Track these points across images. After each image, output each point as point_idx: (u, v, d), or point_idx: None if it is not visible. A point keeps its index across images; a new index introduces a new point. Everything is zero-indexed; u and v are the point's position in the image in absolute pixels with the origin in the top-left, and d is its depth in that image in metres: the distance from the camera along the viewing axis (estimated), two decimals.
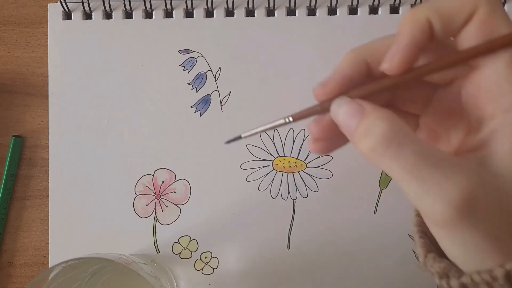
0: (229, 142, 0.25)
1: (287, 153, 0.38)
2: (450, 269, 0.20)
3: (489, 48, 0.19)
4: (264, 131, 0.24)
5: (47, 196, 0.38)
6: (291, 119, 0.23)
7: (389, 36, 0.21)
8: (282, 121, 0.23)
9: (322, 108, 0.22)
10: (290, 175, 0.38)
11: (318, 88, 0.22)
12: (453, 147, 0.22)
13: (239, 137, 0.25)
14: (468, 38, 0.20)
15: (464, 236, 0.19)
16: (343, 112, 0.21)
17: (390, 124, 0.19)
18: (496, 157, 0.19)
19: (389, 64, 0.21)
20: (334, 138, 0.23)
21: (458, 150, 0.22)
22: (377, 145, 0.19)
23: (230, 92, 0.38)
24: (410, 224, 0.24)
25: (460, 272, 0.20)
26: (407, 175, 0.19)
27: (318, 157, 0.38)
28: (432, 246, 0.22)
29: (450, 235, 0.20)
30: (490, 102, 0.20)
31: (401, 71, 0.21)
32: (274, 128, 0.24)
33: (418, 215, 0.23)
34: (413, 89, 0.24)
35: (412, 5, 0.37)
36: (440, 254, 0.21)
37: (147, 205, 0.38)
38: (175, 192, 0.38)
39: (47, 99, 0.39)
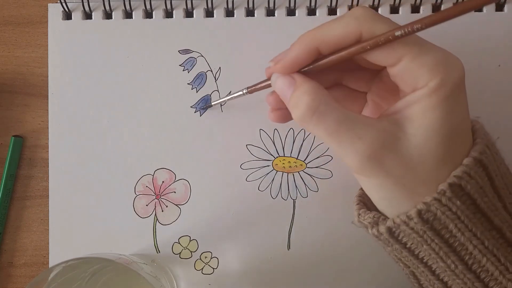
0: (202, 108, 0.34)
1: (287, 153, 0.38)
2: (379, 218, 0.25)
3: (379, 43, 0.23)
4: (229, 99, 0.33)
5: (47, 196, 0.38)
6: (245, 91, 0.32)
7: (340, 22, 0.24)
8: (240, 93, 0.32)
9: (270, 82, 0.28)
10: (290, 175, 0.38)
11: (272, 65, 0.27)
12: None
13: (210, 106, 0.35)
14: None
15: (379, 182, 0.24)
16: (279, 84, 0.26)
17: (313, 96, 0.24)
18: (407, 119, 0.24)
19: (274, 65, 0.27)
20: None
21: (381, 113, 0.26)
22: (303, 114, 0.24)
23: (230, 92, 0.38)
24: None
25: (386, 219, 0.25)
26: (329, 138, 0.24)
27: (318, 157, 0.38)
28: (365, 206, 0.27)
29: (368, 181, 0.24)
30: (408, 87, 0.24)
31: (284, 73, 0.26)
32: (234, 98, 0.33)
33: (361, 189, 0.28)
34: (358, 71, 0.29)
35: (412, 6, 0.38)
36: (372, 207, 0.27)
37: (147, 205, 0.38)
38: (175, 192, 0.38)
39: (47, 99, 0.39)
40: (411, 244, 0.24)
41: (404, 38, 0.23)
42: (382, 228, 0.25)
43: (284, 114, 0.30)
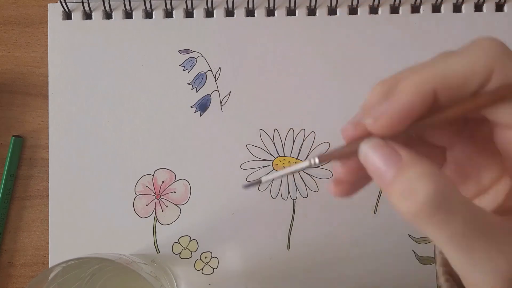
0: (247, 187, 0.22)
1: (287, 153, 0.38)
2: None
3: (503, 96, 0.17)
4: (288, 174, 0.21)
5: (47, 196, 0.38)
6: (316, 160, 0.20)
7: (465, 54, 0.18)
8: (307, 163, 0.20)
9: (352, 150, 0.19)
10: (290, 175, 0.38)
11: (350, 128, 0.19)
12: (483, 187, 0.21)
13: (260, 182, 0.22)
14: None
15: None
16: (373, 157, 0.18)
17: (436, 185, 0.16)
18: None
19: (373, 122, 0.18)
20: (360, 180, 0.20)
21: (502, 208, 0.20)
22: (421, 210, 0.17)
23: (230, 92, 0.38)
24: (435, 264, 0.22)
25: None
26: (456, 247, 0.17)
27: None
28: (451, 277, 0.21)
29: None
30: None
31: (383, 133, 0.18)
32: (298, 171, 0.21)
33: (442, 252, 0.21)
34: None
35: (412, 6, 0.37)
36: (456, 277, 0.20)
37: (147, 205, 0.38)
38: (175, 192, 0.38)
39: (47, 99, 0.39)
40: None
41: None
42: None
43: (353, 188, 0.21)
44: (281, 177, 0.22)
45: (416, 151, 0.19)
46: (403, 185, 0.17)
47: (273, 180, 0.22)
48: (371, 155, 0.18)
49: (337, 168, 0.20)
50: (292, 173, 0.21)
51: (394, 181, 0.17)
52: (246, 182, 0.22)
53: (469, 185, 0.21)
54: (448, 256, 0.17)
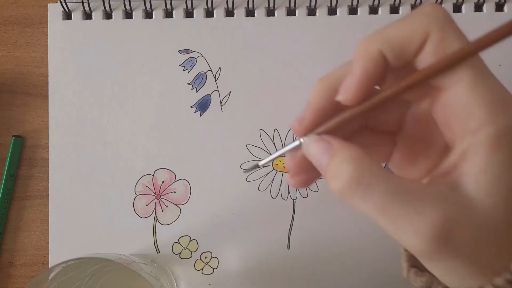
0: (247, 171, 0.26)
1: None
2: (432, 282, 0.21)
3: (444, 66, 0.19)
4: (279, 156, 0.24)
5: (47, 196, 0.38)
6: (302, 140, 0.23)
7: (404, 18, 0.20)
8: (297, 142, 0.23)
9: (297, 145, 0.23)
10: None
11: (296, 125, 0.22)
12: (435, 162, 0.22)
13: (257, 166, 0.26)
14: (425, 61, 0.20)
15: (445, 264, 0.19)
16: (312, 151, 0.22)
17: (356, 165, 0.20)
18: (467, 180, 0.19)
19: (344, 96, 0.21)
20: (311, 171, 0.23)
21: (432, 174, 0.22)
22: (345, 187, 0.20)
23: (230, 92, 0.38)
24: (401, 260, 0.24)
25: (441, 284, 0.21)
26: (379, 215, 0.19)
27: None
28: (415, 264, 0.23)
29: (431, 264, 0.20)
30: (458, 123, 0.19)
31: (356, 102, 0.21)
32: (288, 151, 0.24)
33: (406, 249, 0.24)
34: (385, 109, 0.24)
35: (412, 6, 0.37)
36: (424, 267, 0.22)
37: (147, 205, 0.38)
38: (175, 192, 0.38)
39: (47, 99, 0.39)
40: None
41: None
42: None
43: (307, 179, 0.24)
44: (274, 159, 0.26)
45: (367, 140, 0.24)
46: (332, 168, 0.20)
47: (270, 161, 0.26)
48: (310, 148, 0.22)
49: (288, 162, 0.24)
50: (283, 154, 0.24)
51: (327, 167, 0.21)
52: (245, 168, 0.26)
53: (420, 162, 0.23)
54: (379, 224, 0.19)
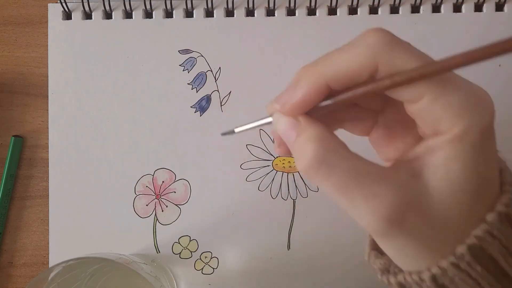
0: (224, 134, 0.27)
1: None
2: (390, 265, 0.23)
3: (400, 83, 0.20)
4: (256, 127, 0.25)
5: (47, 196, 0.38)
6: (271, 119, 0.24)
7: (351, 53, 0.21)
8: (270, 119, 0.24)
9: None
10: (290, 175, 0.38)
11: (278, 108, 0.23)
12: (410, 145, 0.24)
13: (233, 132, 0.27)
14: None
15: (397, 244, 0.21)
16: (281, 126, 0.22)
17: (320, 144, 0.20)
18: (427, 170, 0.20)
19: (281, 108, 0.22)
20: None
21: (396, 159, 0.23)
22: (308, 166, 0.20)
23: (230, 92, 0.38)
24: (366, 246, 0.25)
25: (398, 268, 0.22)
26: (338, 194, 0.20)
27: None
28: (377, 245, 0.23)
29: (384, 243, 0.21)
30: (426, 126, 0.21)
31: (292, 115, 0.22)
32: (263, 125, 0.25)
33: (370, 236, 0.24)
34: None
35: (412, 6, 0.37)
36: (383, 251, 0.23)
37: (147, 205, 0.38)
38: (175, 192, 0.38)
39: (47, 99, 0.39)
40: None
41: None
42: (392, 280, 0.22)
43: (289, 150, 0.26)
44: (249, 129, 0.27)
45: (350, 113, 0.25)
46: (297, 146, 0.21)
47: (244, 131, 0.27)
48: (280, 124, 0.23)
49: (273, 132, 0.24)
50: (260, 126, 0.25)
51: (293, 143, 0.22)
52: (222, 131, 0.27)
53: (397, 143, 0.24)
54: (337, 204, 0.20)
